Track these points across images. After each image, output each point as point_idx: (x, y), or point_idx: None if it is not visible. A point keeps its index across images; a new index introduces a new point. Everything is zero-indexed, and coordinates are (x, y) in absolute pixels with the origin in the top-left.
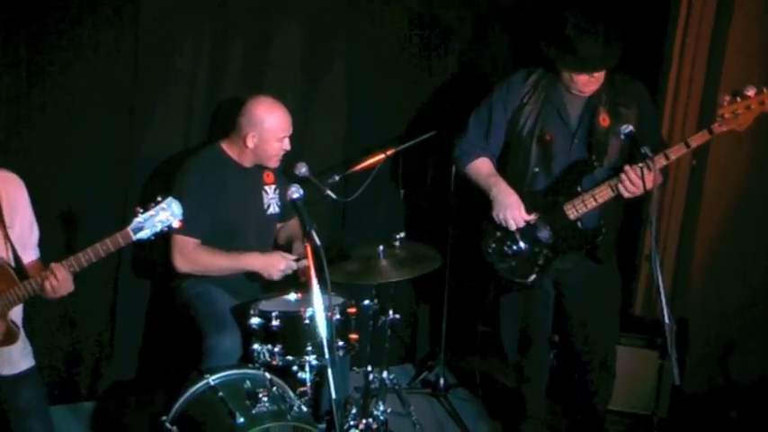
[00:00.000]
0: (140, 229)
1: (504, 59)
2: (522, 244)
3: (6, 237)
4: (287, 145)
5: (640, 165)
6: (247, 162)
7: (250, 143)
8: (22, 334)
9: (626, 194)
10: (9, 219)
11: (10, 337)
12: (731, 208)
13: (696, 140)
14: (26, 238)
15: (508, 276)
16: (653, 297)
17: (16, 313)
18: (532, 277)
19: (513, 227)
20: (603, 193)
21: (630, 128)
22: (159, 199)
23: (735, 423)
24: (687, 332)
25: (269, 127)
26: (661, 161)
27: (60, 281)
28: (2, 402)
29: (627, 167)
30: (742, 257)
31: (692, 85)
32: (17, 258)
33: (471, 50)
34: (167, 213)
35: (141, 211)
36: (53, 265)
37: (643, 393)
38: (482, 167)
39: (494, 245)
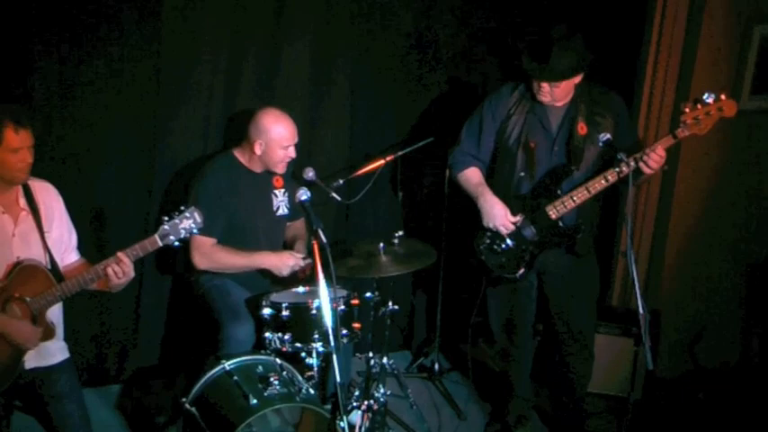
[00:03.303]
0: (166, 235)
1: (492, 73)
2: (509, 242)
3: (44, 242)
4: (292, 153)
5: (617, 169)
6: (257, 168)
7: (258, 150)
8: (57, 331)
9: (647, 170)
10: (47, 225)
11: (47, 335)
12: (699, 210)
13: (661, 145)
14: (65, 243)
15: (499, 272)
16: (628, 290)
17: (54, 313)
18: (520, 271)
19: (504, 233)
20: (581, 195)
21: (608, 136)
22: (183, 208)
23: (702, 403)
24: (660, 322)
25: (274, 136)
26: (632, 164)
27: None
28: (39, 388)
29: (650, 150)
30: (709, 255)
31: (665, 95)
32: (53, 262)
33: (462, 65)
34: (190, 221)
35: (167, 219)
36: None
37: (620, 377)
38: (472, 176)
39: (485, 243)
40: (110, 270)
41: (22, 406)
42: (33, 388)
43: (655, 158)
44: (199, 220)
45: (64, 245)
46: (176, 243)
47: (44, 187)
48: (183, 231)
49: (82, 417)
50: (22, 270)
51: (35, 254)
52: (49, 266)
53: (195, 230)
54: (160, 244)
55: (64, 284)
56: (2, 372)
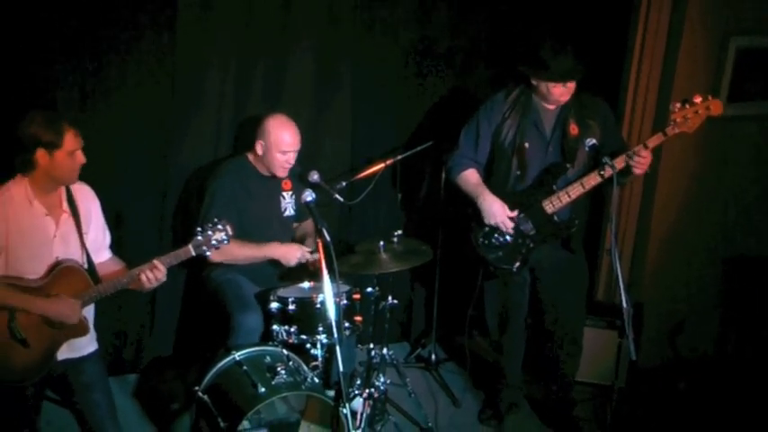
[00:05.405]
0: (199, 246)
1: (487, 81)
2: (507, 237)
3: (82, 242)
4: (291, 159)
5: (602, 172)
6: (266, 171)
7: (259, 150)
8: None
9: (638, 171)
10: (85, 226)
11: (81, 331)
12: (680, 209)
13: (653, 142)
14: (100, 242)
15: (497, 264)
16: (613, 285)
17: (87, 309)
18: (517, 264)
19: (504, 230)
20: (576, 190)
21: (594, 141)
22: (216, 220)
23: (682, 392)
24: (642, 315)
25: (274, 139)
26: (621, 162)
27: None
28: (69, 378)
29: (639, 148)
30: (689, 252)
31: (647, 102)
32: (90, 262)
33: (459, 73)
34: (222, 234)
35: (200, 230)
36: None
37: (605, 367)
38: (470, 178)
39: (483, 238)
40: (143, 276)
41: (52, 397)
42: (63, 378)
43: (641, 162)
44: (231, 231)
45: (98, 244)
46: (207, 253)
47: (82, 189)
48: (215, 242)
49: (109, 406)
50: (62, 270)
51: (73, 254)
52: (86, 266)
53: (226, 242)
54: (193, 254)
55: (100, 286)
56: (38, 362)
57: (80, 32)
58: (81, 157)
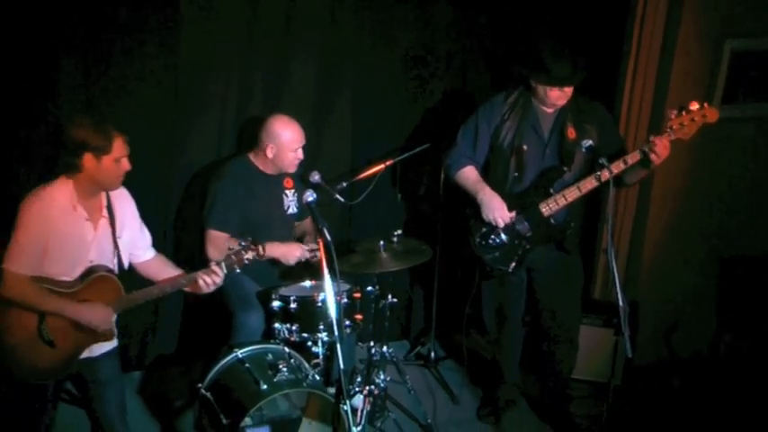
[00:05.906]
0: (231, 265)
1: (486, 83)
2: (504, 237)
3: (116, 246)
4: (300, 154)
5: (597, 173)
6: (270, 170)
7: (270, 154)
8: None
9: (657, 161)
10: (119, 230)
11: (109, 336)
12: (675, 210)
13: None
14: (136, 242)
15: (493, 265)
16: (609, 284)
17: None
18: (512, 265)
19: (500, 224)
20: (572, 194)
21: (590, 142)
22: (250, 239)
23: (677, 389)
24: (638, 313)
25: (284, 140)
26: (620, 165)
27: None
28: (85, 374)
29: (655, 138)
30: (684, 252)
31: (642, 105)
32: (121, 266)
33: (457, 76)
34: (253, 253)
35: (231, 249)
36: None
37: (601, 365)
38: (470, 175)
39: (480, 239)
40: (200, 281)
41: (65, 397)
42: (81, 374)
43: (661, 147)
44: (261, 252)
45: (134, 244)
46: (238, 270)
47: (120, 192)
48: (245, 261)
49: (119, 404)
50: (96, 279)
51: (106, 258)
52: (117, 271)
53: (255, 259)
54: (224, 271)
55: (135, 294)
56: (61, 362)
57: (82, 34)
58: (126, 164)
